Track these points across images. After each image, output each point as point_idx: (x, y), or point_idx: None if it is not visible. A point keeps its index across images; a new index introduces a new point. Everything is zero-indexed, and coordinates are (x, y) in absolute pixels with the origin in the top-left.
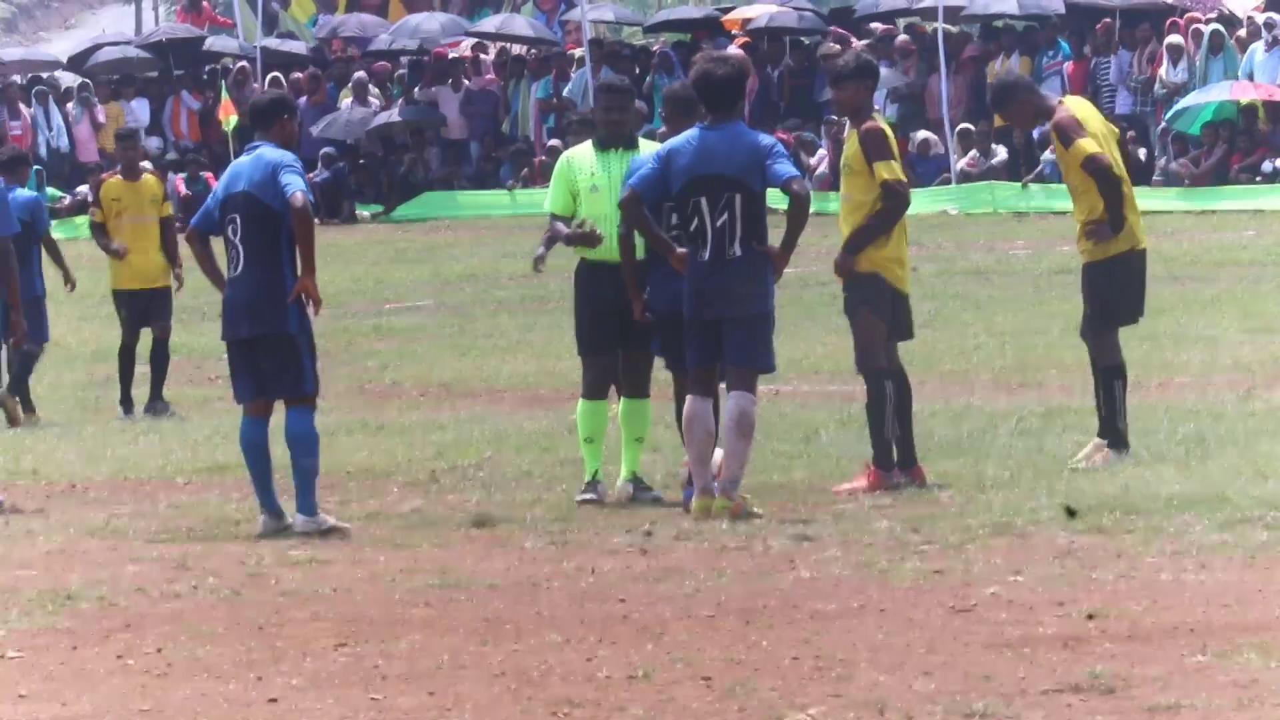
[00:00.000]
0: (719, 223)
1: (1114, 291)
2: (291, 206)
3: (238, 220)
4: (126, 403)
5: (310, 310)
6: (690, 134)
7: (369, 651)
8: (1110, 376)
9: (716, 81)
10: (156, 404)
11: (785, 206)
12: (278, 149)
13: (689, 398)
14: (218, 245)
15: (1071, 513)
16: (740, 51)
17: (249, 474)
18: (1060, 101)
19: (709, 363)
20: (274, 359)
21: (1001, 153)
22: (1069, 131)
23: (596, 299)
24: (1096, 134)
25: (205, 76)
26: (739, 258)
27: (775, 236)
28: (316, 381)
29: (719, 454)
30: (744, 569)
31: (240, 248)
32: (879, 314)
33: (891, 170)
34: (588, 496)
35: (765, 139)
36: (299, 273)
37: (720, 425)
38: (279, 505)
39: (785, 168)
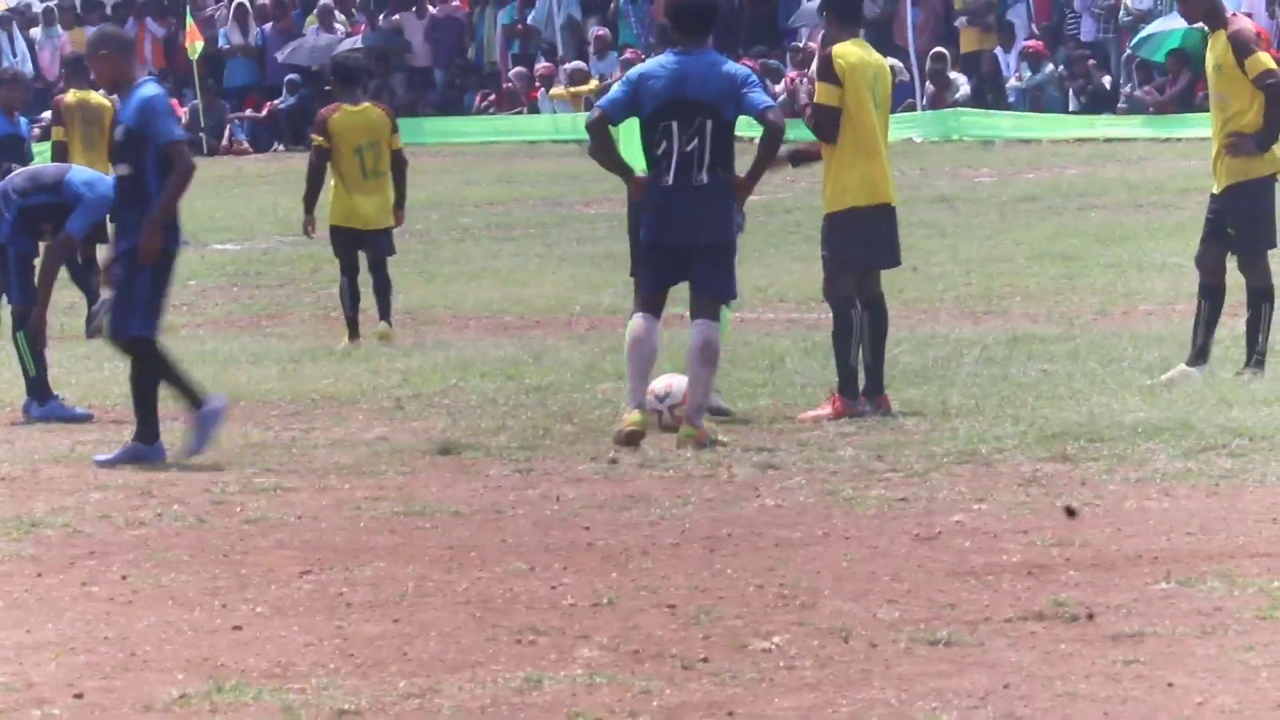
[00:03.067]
0: (688, 148)
1: (1257, 214)
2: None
3: None
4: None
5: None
6: (663, 59)
7: (334, 579)
8: (1259, 298)
9: (694, 7)
10: None
11: (758, 135)
12: None
13: (638, 316)
14: None
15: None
16: None
17: None
18: (1233, 14)
19: (665, 287)
20: None
21: (963, 82)
22: (1250, 42)
23: None
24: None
25: (168, 3)
26: (705, 184)
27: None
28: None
29: (676, 380)
30: (709, 497)
31: None
32: (841, 250)
33: (1263, 62)
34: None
35: (740, 68)
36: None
37: (686, 353)
38: None
39: (760, 97)
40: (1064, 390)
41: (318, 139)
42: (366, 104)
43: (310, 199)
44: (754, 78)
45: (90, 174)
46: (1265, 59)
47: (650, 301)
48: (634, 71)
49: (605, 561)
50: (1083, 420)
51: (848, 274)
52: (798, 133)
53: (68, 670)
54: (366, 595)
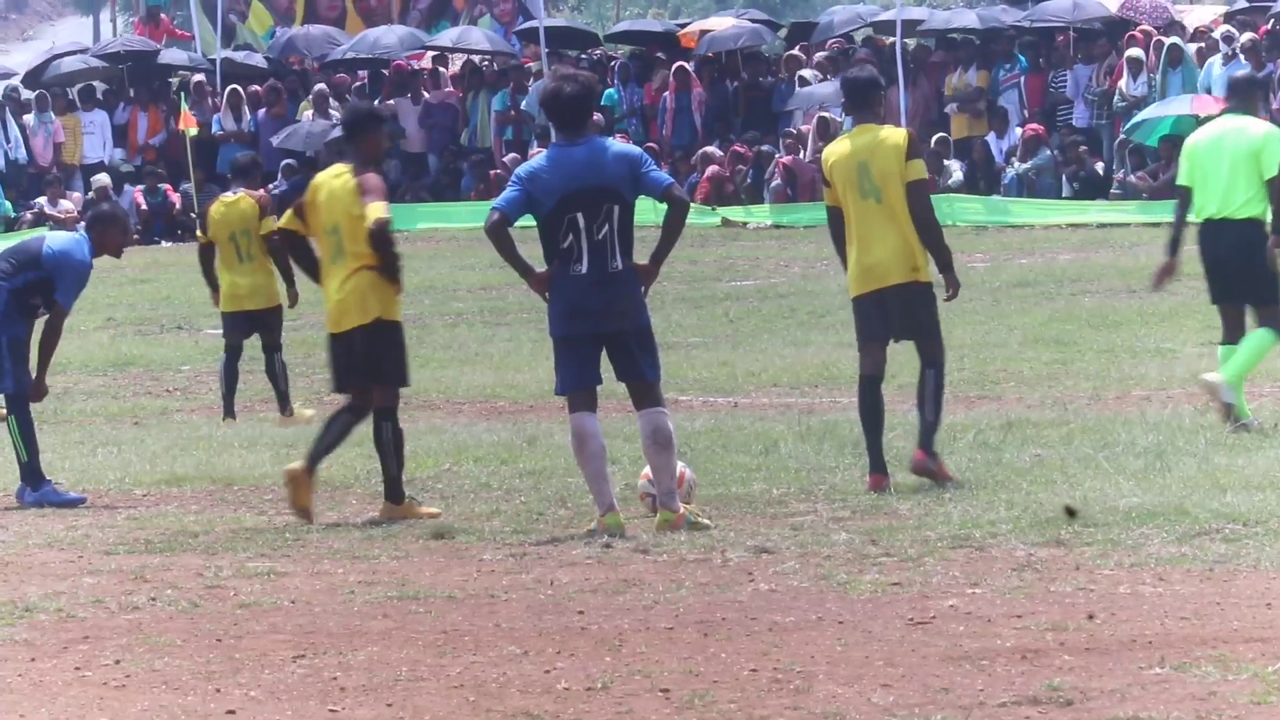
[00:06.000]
0: (599, 235)
1: None
2: None
3: None
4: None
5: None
6: (548, 153)
7: (327, 663)
8: None
9: (566, 99)
10: None
11: (663, 217)
12: None
13: (577, 415)
14: None
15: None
16: (588, 72)
17: None
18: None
19: (594, 382)
20: None
21: (956, 168)
22: None
23: (1213, 254)
24: None
25: (159, 87)
26: (620, 270)
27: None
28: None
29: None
30: (702, 581)
31: None
32: (858, 329)
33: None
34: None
35: (633, 149)
36: None
37: (642, 444)
38: None
39: (660, 175)
40: (1058, 475)
41: (198, 234)
42: (241, 194)
43: (208, 282)
44: (648, 156)
45: (63, 239)
46: None
47: (584, 399)
48: (523, 169)
49: (599, 646)
50: (1077, 505)
51: (863, 354)
52: (779, 217)
53: None
54: (360, 679)
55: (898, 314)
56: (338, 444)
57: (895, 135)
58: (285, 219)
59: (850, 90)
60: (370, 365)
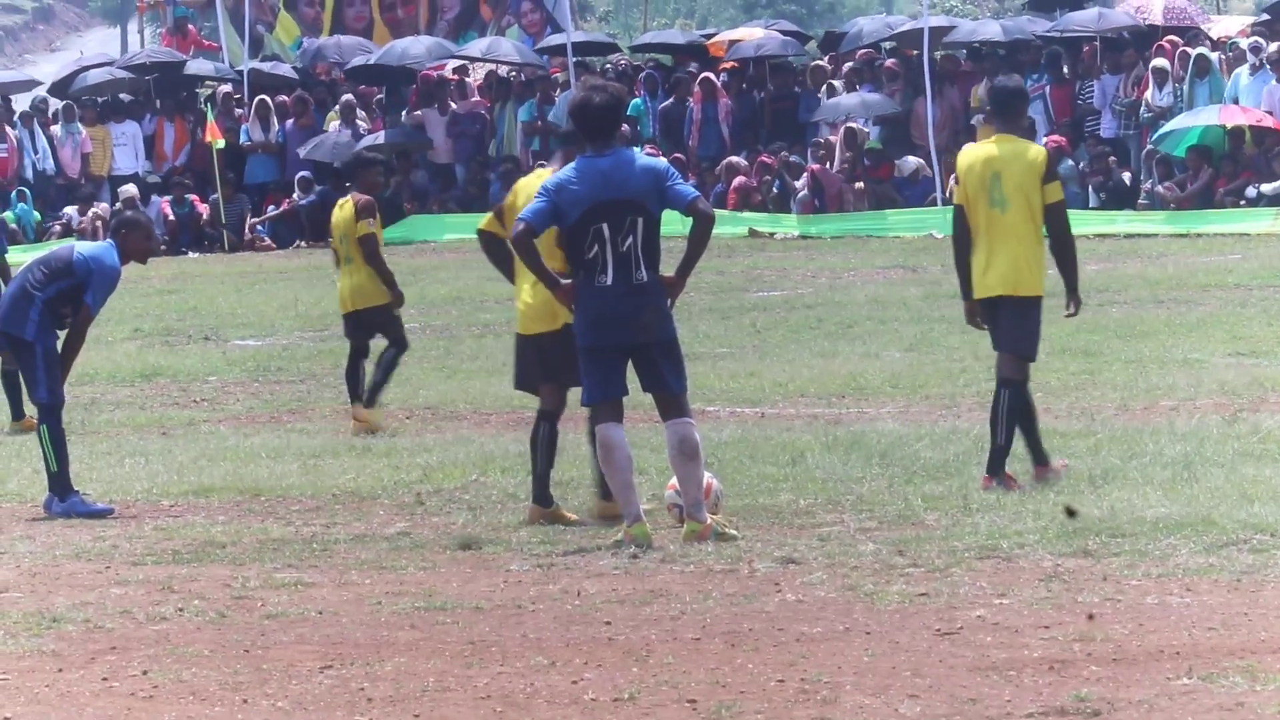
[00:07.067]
0: (624, 247)
1: None
2: None
3: None
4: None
5: None
6: (575, 165)
7: (354, 674)
8: None
9: (595, 109)
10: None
11: (688, 229)
12: None
13: (604, 426)
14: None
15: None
16: (617, 84)
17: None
18: None
19: (620, 393)
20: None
21: None
22: None
23: None
24: None
25: (186, 98)
26: (645, 282)
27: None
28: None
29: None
30: (729, 592)
31: None
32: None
33: None
34: None
35: (659, 161)
36: None
37: (668, 455)
38: None
39: (686, 189)
40: (1085, 485)
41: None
42: (349, 197)
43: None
44: (674, 170)
45: (93, 246)
46: None
47: (611, 410)
48: (550, 181)
49: (626, 656)
50: (1104, 515)
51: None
52: (807, 228)
53: None
54: (387, 690)
55: (999, 323)
56: (553, 457)
57: (1035, 153)
58: (485, 221)
59: (996, 99)
60: (554, 368)
